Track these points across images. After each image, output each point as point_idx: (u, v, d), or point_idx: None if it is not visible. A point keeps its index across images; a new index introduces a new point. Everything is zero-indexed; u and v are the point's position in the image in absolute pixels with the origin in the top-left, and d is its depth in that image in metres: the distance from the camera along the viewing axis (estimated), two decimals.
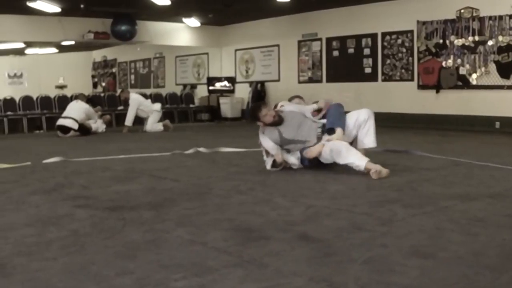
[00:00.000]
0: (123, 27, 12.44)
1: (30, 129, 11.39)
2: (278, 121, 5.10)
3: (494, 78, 9.36)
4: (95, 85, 19.46)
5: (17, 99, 11.92)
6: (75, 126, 9.70)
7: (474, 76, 9.60)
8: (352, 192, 4.09)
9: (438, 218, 3.17)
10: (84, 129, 9.83)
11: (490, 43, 9.33)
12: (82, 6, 10.64)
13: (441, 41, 10.02)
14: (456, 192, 3.97)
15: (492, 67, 9.37)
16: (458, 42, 9.74)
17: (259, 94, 13.41)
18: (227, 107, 13.96)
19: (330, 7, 11.72)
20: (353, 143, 5.03)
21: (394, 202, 3.60)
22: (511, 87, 9.19)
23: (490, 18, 9.31)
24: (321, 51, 12.29)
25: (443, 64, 10.01)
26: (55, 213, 3.45)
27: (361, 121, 5.06)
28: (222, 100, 14.07)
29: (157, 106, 11.14)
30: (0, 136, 10.65)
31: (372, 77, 11.28)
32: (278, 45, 13.32)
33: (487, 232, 2.86)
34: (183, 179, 4.80)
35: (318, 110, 5.34)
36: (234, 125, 12.47)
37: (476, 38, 9.49)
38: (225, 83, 14.32)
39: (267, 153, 5.12)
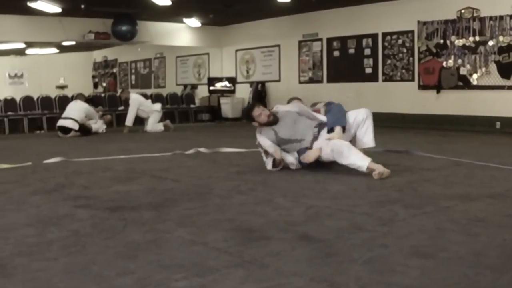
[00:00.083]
0: (124, 27, 12.44)
1: (30, 129, 11.40)
2: (273, 121, 5.11)
3: (495, 78, 9.35)
4: (95, 85, 19.47)
5: (17, 99, 11.94)
6: (76, 126, 9.69)
7: (474, 76, 9.60)
8: (352, 192, 4.09)
9: (438, 218, 3.17)
10: (84, 130, 9.83)
11: (490, 43, 9.33)
12: (82, 6, 10.65)
13: (441, 41, 10.01)
14: (456, 192, 3.96)
15: (493, 67, 9.36)
16: (459, 42, 9.73)
17: (260, 94, 13.41)
18: (227, 107, 13.95)
19: (331, 7, 11.72)
20: (352, 142, 5.02)
21: (395, 202, 3.60)
22: (511, 87, 9.20)
23: (490, 18, 9.31)
24: (321, 51, 12.29)
25: (444, 64, 10.01)
26: (56, 213, 3.45)
27: (359, 120, 5.06)
28: (223, 100, 14.07)
29: (158, 106, 11.13)
30: (1, 136, 10.66)
31: (373, 77, 11.28)
32: (278, 45, 13.31)
33: (487, 232, 2.85)
34: (184, 179, 4.80)
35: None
36: (235, 125, 12.45)
37: (477, 38, 9.49)
38: (226, 83, 14.33)
39: (266, 153, 5.12)
